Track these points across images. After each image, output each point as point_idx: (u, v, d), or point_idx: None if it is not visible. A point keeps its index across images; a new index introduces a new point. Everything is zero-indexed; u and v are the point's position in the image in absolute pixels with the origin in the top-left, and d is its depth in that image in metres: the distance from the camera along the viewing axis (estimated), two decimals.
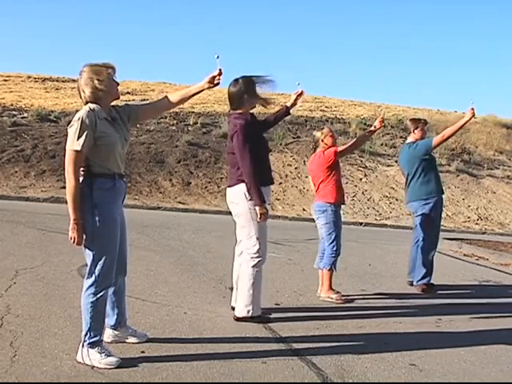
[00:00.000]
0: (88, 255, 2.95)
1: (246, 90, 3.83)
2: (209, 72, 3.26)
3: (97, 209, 2.90)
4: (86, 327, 2.93)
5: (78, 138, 2.84)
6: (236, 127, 3.77)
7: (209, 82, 3.22)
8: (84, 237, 2.90)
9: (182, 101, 3.34)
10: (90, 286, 2.94)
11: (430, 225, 5.34)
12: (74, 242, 2.88)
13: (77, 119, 2.87)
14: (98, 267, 2.92)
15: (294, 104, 4.31)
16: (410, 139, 5.56)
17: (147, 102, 3.44)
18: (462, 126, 5.38)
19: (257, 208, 3.72)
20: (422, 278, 5.28)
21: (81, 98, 3.01)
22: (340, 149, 4.87)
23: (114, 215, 2.99)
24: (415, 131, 5.50)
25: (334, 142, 4.88)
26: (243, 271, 3.84)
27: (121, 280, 3.20)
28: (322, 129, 5.11)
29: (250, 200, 3.75)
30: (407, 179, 5.47)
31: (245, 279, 3.82)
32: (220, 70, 3.21)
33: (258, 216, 3.73)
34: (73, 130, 2.86)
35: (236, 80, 3.88)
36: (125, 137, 3.07)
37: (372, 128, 4.94)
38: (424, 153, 5.37)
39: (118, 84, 3.03)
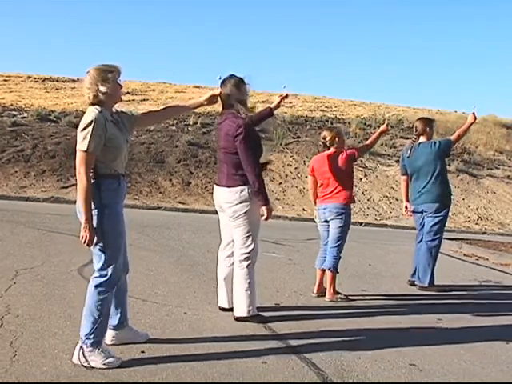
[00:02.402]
0: (99, 255, 2.95)
1: (243, 88, 3.85)
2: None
3: (107, 209, 2.92)
4: (90, 326, 2.92)
5: (92, 140, 2.84)
6: (241, 127, 3.71)
7: (208, 100, 3.43)
8: (94, 237, 2.90)
9: (180, 112, 3.48)
10: (102, 283, 2.95)
11: (444, 226, 5.46)
12: (84, 241, 2.87)
13: (89, 121, 2.86)
14: (112, 266, 2.95)
15: (277, 106, 4.41)
16: (422, 139, 5.51)
17: (147, 110, 3.51)
18: (468, 127, 5.52)
19: (264, 208, 3.75)
20: (431, 278, 5.34)
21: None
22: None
23: (121, 215, 3.04)
24: (430, 130, 5.51)
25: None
26: (238, 272, 3.84)
27: (123, 278, 3.21)
28: (334, 128, 5.09)
29: (250, 201, 3.76)
30: (429, 179, 5.33)
31: (241, 280, 3.82)
32: (221, 91, 3.45)
33: (266, 215, 3.76)
34: (86, 131, 2.86)
35: (226, 80, 3.85)
36: (126, 139, 3.11)
37: (380, 129, 4.96)
38: (447, 152, 5.46)
39: (121, 87, 3.05)
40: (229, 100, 3.83)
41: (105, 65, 3.00)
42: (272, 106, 4.39)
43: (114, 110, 3.07)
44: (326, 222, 4.79)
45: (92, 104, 2.97)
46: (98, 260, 2.98)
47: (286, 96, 4.42)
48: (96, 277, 2.98)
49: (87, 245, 2.89)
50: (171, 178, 12.78)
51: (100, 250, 2.95)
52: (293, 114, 17.81)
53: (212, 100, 3.46)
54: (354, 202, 4.87)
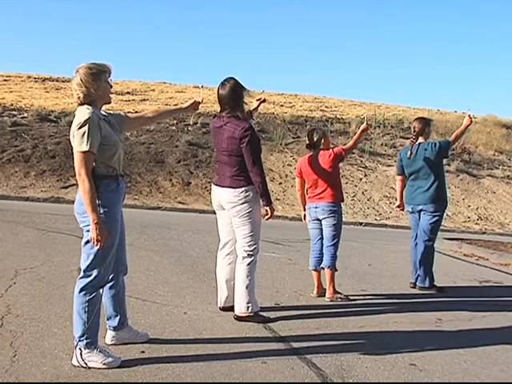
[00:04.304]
0: (89, 254, 2.92)
1: (242, 91, 3.91)
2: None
3: (105, 211, 2.90)
4: (81, 328, 2.91)
5: (89, 138, 2.81)
6: (248, 131, 3.78)
7: (190, 106, 3.55)
8: (107, 237, 2.87)
9: (163, 117, 3.80)
10: (86, 285, 2.93)
11: (440, 226, 5.51)
12: (97, 243, 2.82)
13: (84, 120, 2.83)
14: (99, 266, 2.93)
15: (256, 109, 4.61)
16: (421, 139, 5.50)
17: (133, 114, 3.54)
18: (465, 129, 5.61)
19: (267, 208, 3.88)
20: (432, 279, 5.38)
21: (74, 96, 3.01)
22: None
23: (118, 216, 3.02)
24: (429, 130, 5.55)
25: None
26: (240, 269, 3.90)
27: (121, 280, 3.20)
28: (320, 129, 5.12)
29: (254, 200, 3.84)
30: (430, 179, 5.33)
31: (242, 277, 3.87)
32: (203, 99, 3.60)
33: (269, 215, 3.89)
34: (82, 131, 2.82)
35: (225, 81, 3.89)
36: (119, 138, 3.08)
37: (361, 128, 4.96)
38: (447, 152, 5.50)
39: (111, 87, 3.03)
40: (227, 102, 3.86)
41: (97, 64, 2.96)
42: (251, 109, 4.52)
43: (102, 111, 3.04)
44: (318, 220, 4.80)
45: (82, 103, 2.94)
46: (85, 259, 2.94)
47: (264, 100, 4.62)
48: (81, 277, 2.95)
49: (100, 246, 2.85)
50: (171, 178, 12.77)
51: (91, 249, 2.91)
52: (293, 114, 17.81)
53: (194, 107, 3.57)
54: (343, 200, 4.88)
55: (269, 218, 3.89)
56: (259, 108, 4.66)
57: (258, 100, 4.57)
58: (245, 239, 3.87)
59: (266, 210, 3.89)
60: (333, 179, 4.77)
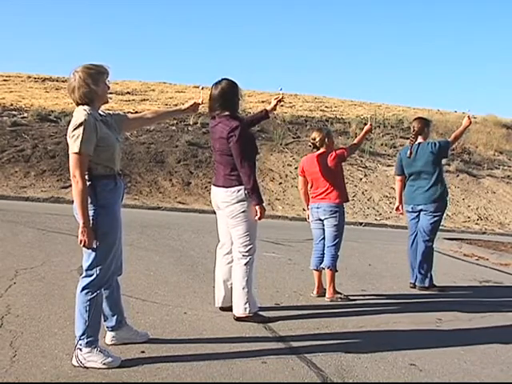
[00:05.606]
0: (90, 254, 2.93)
1: (235, 92, 3.89)
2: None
3: (103, 210, 2.91)
4: (82, 327, 2.92)
5: (84, 140, 2.82)
6: (234, 130, 3.75)
7: (190, 108, 3.56)
8: (93, 241, 2.89)
9: (163, 118, 3.85)
10: (88, 284, 2.94)
11: (440, 226, 5.53)
12: (84, 245, 2.86)
13: (79, 122, 2.83)
14: (100, 266, 2.94)
15: (273, 108, 4.46)
16: (420, 139, 5.52)
17: (133, 115, 3.53)
18: (464, 130, 5.64)
19: (257, 207, 3.80)
20: (431, 278, 5.39)
21: (71, 97, 3.00)
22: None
23: (118, 215, 3.03)
24: (428, 130, 5.56)
25: None
26: (236, 270, 3.89)
27: (115, 279, 3.20)
28: (324, 129, 5.12)
29: (247, 200, 3.80)
30: (430, 179, 5.36)
31: (238, 278, 3.86)
32: (202, 100, 3.61)
33: (259, 215, 3.80)
34: (77, 133, 2.83)
35: (218, 82, 3.89)
36: (117, 138, 3.08)
37: (365, 129, 4.99)
38: (446, 152, 5.52)
39: (108, 88, 3.04)
40: (218, 100, 3.85)
41: (95, 65, 2.97)
42: (268, 108, 4.44)
43: (100, 112, 3.04)
44: (320, 220, 4.80)
45: (80, 104, 2.94)
46: (86, 259, 2.96)
47: (282, 99, 4.49)
48: (83, 277, 2.97)
49: (87, 248, 2.88)
50: (171, 178, 12.77)
51: (93, 249, 2.92)
52: (293, 114, 17.81)
53: (193, 108, 3.58)
54: (348, 200, 4.88)
55: (260, 218, 3.82)
56: (277, 107, 4.51)
57: (275, 99, 4.45)
58: (239, 239, 3.86)
59: (256, 210, 3.81)
60: (335, 179, 4.76)
